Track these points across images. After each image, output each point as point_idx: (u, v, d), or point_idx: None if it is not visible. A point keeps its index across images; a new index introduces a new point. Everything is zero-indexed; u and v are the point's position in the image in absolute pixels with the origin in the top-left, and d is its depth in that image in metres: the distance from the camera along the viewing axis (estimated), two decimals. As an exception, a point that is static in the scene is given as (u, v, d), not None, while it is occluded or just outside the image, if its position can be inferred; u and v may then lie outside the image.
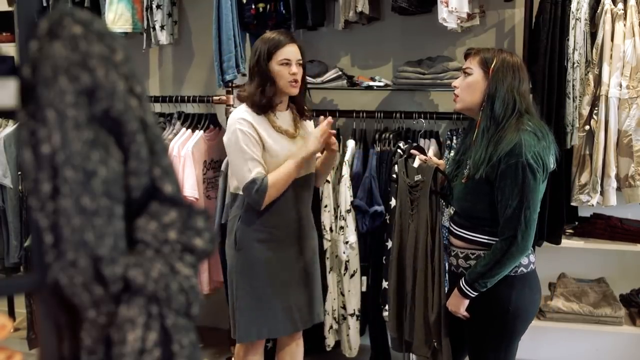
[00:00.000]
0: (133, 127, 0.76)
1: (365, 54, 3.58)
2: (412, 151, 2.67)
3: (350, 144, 3.16)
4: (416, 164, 2.66)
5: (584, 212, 3.26)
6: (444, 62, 3.13)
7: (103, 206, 0.73)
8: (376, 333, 3.25)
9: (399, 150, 2.96)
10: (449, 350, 2.41)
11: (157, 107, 3.49)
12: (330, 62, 3.44)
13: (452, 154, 2.93)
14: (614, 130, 2.89)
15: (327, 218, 3.08)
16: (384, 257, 2.99)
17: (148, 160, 0.78)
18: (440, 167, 2.50)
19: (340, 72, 3.28)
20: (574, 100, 2.89)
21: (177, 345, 0.77)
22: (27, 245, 3.45)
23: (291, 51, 2.43)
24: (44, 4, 3.42)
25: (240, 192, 2.47)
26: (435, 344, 2.46)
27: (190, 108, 3.46)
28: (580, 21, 2.86)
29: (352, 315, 3.16)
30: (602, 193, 2.94)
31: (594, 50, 2.92)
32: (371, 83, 3.23)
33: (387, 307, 2.88)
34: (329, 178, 3.06)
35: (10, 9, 3.64)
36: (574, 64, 2.87)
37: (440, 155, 3.12)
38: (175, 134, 3.36)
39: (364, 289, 3.18)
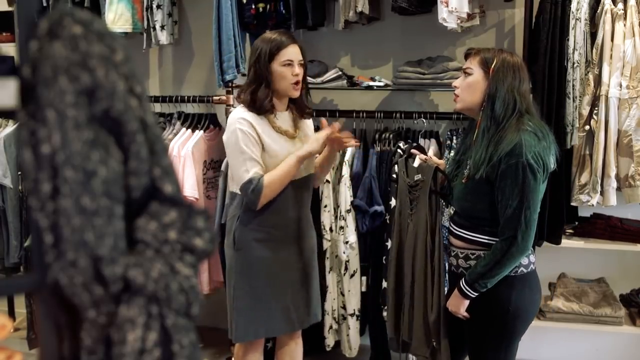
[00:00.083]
0: (133, 127, 0.76)
1: (365, 54, 3.58)
2: (413, 151, 2.67)
3: (351, 144, 3.16)
4: (416, 163, 2.66)
5: (584, 212, 3.26)
6: (444, 62, 3.13)
7: (103, 206, 0.73)
8: (376, 333, 3.25)
9: (399, 150, 2.96)
10: (448, 351, 2.41)
11: (157, 107, 3.49)
12: (330, 62, 3.44)
13: (452, 154, 2.93)
14: (614, 130, 2.89)
15: (327, 218, 3.08)
16: (384, 257, 2.99)
17: (148, 160, 0.78)
18: (440, 167, 2.50)
19: (340, 72, 3.28)
20: (574, 100, 2.89)
21: (177, 345, 0.77)
22: (27, 245, 3.45)
23: (294, 52, 2.42)
24: (44, 4, 3.42)
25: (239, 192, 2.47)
26: (435, 343, 2.46)
27: (190, 108, 3.46)
28: (580, 21, 2.86)
29: (352, 315, 3.16)
30: (602, 193, 2.94)
31: (594, 50, 2.92)
32: (371, 83, 3.23)
33: (387, 307, 2.88)
34: (328, 178, 3.06)
35: (10, 9, 3.64)
36: (574, 64, 2.87)
37: (440, 155, 3.12)
38: (175, 134, 3.36)
39: (364, 289, 3.18)
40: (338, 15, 3.30)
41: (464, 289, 2.17)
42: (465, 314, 2.22)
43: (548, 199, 2.78)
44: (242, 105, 2.47)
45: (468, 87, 2.21)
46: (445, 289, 2.55)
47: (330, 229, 3.10)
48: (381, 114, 3.27)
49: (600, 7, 2.91)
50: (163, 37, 3.44)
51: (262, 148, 2.41)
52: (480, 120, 2.18)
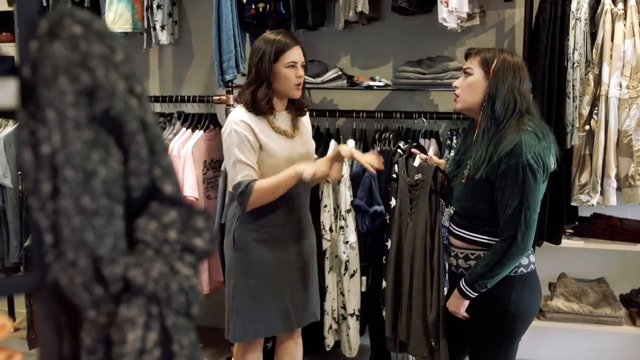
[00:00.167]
0: (133, 127, 0.76)
1: (365, 54, 3.58)
2: (413, 150, 2.67)
3: (350, 143, 3.16)
4: (417, 163, 2.67)
5: (584, 212, 3.26)
6: (444, 62, 3.13)
7: (103, 206, 0.73)
8: (376, 333, 3.25)
9: (399, 150, 2.96)
10: (447, 351, 2.41)
11: (157, 107, 3.49)
12: (330, 62, 3.44)
13: (452, 153, 2.93)
14: (614, 130, 2.89)
15: (326, 218, 3.08)
16: (384, 257, 2.99)
17: (148, 160, 0.78)
18: (440, 167, 2.50)
19: (340, 72, 3.28)
20: (574, 100, 2.89)
21: (177, 345, 0.77)
22: (27, 245, 3.45)
23: (297, 54, 2.43)
24: (44, 4, 3.42)
25: None
26: (433, 343, 2.46)
27: (190, 108, 3.46)
28: (580, 21, 2.86)
29: (352, 315, 3.16)
30: (602, 193, 2.95)
31: (594, 50, 2.92)
32: (371, 83, 3.23)
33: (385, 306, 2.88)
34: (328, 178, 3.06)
35: (10, 9, 3.64)
36: (574, 64, 2.87)
37: (440, 155, 3.12)
38: (175, 134, 3.36)
39: (363, 289, 3.18)
40: (338, 15, 3.30)
41: (463, 289, 2.17)
42: (465, 314, 2.22)
43: (548, 199, 2.78)
44: (242, 105, 2.47)
45: (468, 87, 2.21)
46: (445, 289, 2.55)
47: (330, 229, 3.10)
48: (381, 114, 3.27)
49: (600, 7, 2.91)
50: (163, 37, 3.44)
51: (260, 148, 2.41)
52: (480, 120, 2.18)
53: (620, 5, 2.87)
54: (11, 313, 3.88)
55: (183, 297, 0.77)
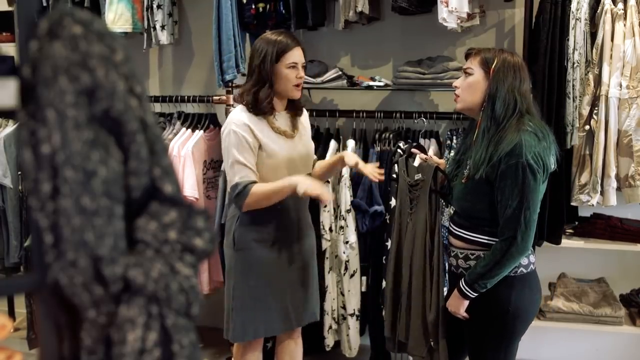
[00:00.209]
0: (133, 127, 0.76)
1: (365, 54, 3.58)
2: (413, 150, 2.67)
3: (350, 143, 3.16)
4: (417, 162, 2.67)
5: (584, 212, 3.26)
6: (444, 62, 3.13)
7: (103, 206, 0.73)
8: (376, 333, 3.25)
9: (399, 150, 2.96)
10: (446, 351, 2.41)
11: (157, 107, 3.49)
12: (330, 62, 3.44)
13: (452, 153, 2.93)
14: (614, 130, 2.89)
15: (326, 218, 3.08)
16: (384, 257, 2.99)
17: (148, 160, 0.78)
18: (440, 167, 2.50)
19: (340, 72, 3.28)
20: (574, 100, 2.89)
21: (177, 345, 0.77)
22: (27, 245, 3.45)
23: (298, 54, 2.43)
24: (44, 4, 3.42)
25: None
26: (432, 343, 2.46)
27: (190, 108, 3.46)
28: (580, 21, 2.86)
29: (352, 315, 3.16)
30: (602, 193, 2.95)
31: (594, 50, 2.92)
32: (371, 83, 3.23)
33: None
34: (328, 178, 3.06)
35: (10, 9, 3.64)
36: (574, 64, 2.87)
37: (440, 155, 3.12)
38: (175, 134, 3.36)
39: (363, 289, 3.18)
40: (338, 15, 3.30)
41: (463, 289, 2.17)
42: (465, 314, 2.22)
43: (548, 199, 2.78)
44: (242, 105, 2.47)
45: (468, 87, 2.21)
46: (445, 289, 2.55)
47: (330, 229, 3.10)
48: (381, 114, 3.27)
49: (600, 7, 2.91)
50: (164, 37, 3.44)
51: (259, 148, 2.41)
52: (480, 120, 2.18)
53: (620, 5, 2.87)
54: (11, 313, 3.88)
55: (183, 297, 0.77)
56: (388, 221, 2.95)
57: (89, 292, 0.72)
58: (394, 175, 2.82)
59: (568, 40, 2.87)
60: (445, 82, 3.04)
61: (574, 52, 2.86)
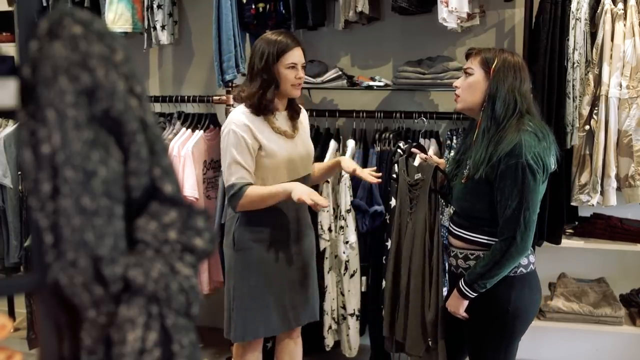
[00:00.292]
0: (133, 127, 0.76)
1: (365, 54, 3.58)
2: (413, 149, 2.67)
3: (350, 143, 3.16)
4: (417, 162, 2.67)
5: (584, 212, 3.26)
6: (444, 62, 3.13)
7: (103, 206, 0.73)
8: (376, 333, 3.25)
9: (399, 150, 2.96)
10: (444, 351, 2.41)
11: (157, 107, 3.49)
12: (330, 62, 3.44)
13: (452, 153, 2.93)
14: (614, 130, 2.89)
15: (325, 218, 3.08)
16: (384, 257, 2.99)
17: (148, 160, 0.78)
18: (440, 166, 2.50)
19: (340, 72, 3.28)
20: (574, 100, 2.89)
21: (177, 345, 0.77)
22: (27, 245, 3.45)
23: (298, 55, 2.43)
24: (44, 4, 3.42)
25: None
26: (430, 342, 2.45)
27: (190, 108, 3.46)
28: (580, 21, 2.86)
29: (352, 315, 3.16)
30: (602, 193, 2.95)
31: (594, 50, 2.92)
32: (371, 83, 3.23)
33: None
34: (328, 178, 3.06)
35: (10, 9, 3.64)
36: (574, 64, 2.87)
37: (440, 155, 3.12)
38: (175, 134, 3.36)
39: (363, 289, 3.18)
40: (338, 15, 3.30)
41: (463, 289, 2.17)
42: (465, 314, 2.22)
43: (548, 199, 2.78)
44: (243, 105, 2.47)
45: (469, 87, 2.21)
46: (445, 289, 2.54)
47: (330, 229, 3.10)
48: (381, 114, 3.27)
49: (600, 7, 2.91)
50: (164, 37, 3.44)
51: (259, 149, 2.41)
52: (480, 120, 2.18)
53: (620, 5, 2.87)
54: (11, 313, 3.88)
55: (183, 297, 0.77)
56: (388, 221, 2.95)
57: (89, 292, 0.72)
58: (394, 175, 2.82)
59: (568, 40, 2.87)
60: (445, 82, 3.04)
61: (574, 52, 2.86)
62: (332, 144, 3.19)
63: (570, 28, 2.86)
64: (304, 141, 2.57)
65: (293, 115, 2.55)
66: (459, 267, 2.25)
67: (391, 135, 3.22)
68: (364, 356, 3.33)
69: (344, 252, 3.08)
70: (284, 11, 3.22)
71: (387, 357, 3.31)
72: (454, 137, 3.12)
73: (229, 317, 2.55)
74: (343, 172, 3.07)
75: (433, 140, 3.21)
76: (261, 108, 2.42)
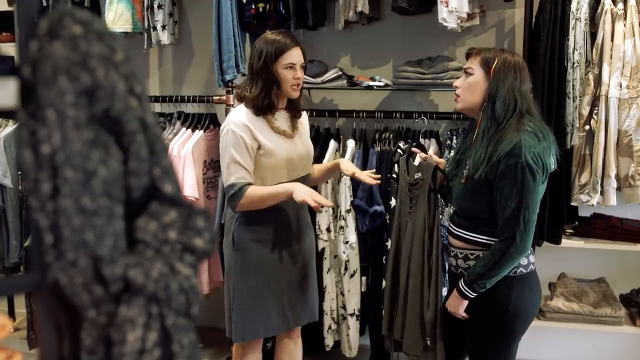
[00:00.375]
0: (133, 127, 0.76)
1: (365, 54, 3.58)
2: (413, 149, 2.68)
3: (350, 143, 3.16)
4: (417, 161, 2.67)
5: (584, 212, 3.26)
6: (444, 62, 3.13)
7: (103, 206, 0.73)
8: (376, 333, 3.25)
9: (399, 150, 2.96)
10: (443, 351, 2.41)
11: (157, 107, 3.49)
12: (330, 62, 3.44)
13: (452, 153, 2.93)
14: (614, 130, 2.89)
15: (323, 218, 3.08)
16: (384, 257, 2.99)
17: (148, 160, 0.78)
18: (440, 166, 2.50)
19: (340, 72, 3.28)
20: (574, 100, 2.89)
21: (177, 345, 0.77)
22: (27, 245, 3.45)
23: (297, 55, 2.43)
24: (44, 4, 3.42)
25: None
26: (429, 341, 2.45)
27: (190, 108, 3.46)
28: (580, 21, 2.86)
29: (352, 315, 3.16)
30: (602, 193, 2.95)
31: (594, 50, 2.92)
32: (371, 83, 3.23)
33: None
34: (327, 179, 3.06)
35: (10, 9, 3.64)
36: (574, 64, 2.87)
37: (440, 155, 3.12)
38: (175, 134, 3.36)
39: (363, 289, 3.18)
40: (338, 15, 3.30)
41: (462, 289, 2.17)
42: (465, 314, 2.22)
43: (548, 199, 2.78)
44: (244, 104, 2.47)
45: (469, 87, 2.21)
46: (445, 289, 2.54)
47: (328, 229, 3.10)
48: (381, 114, 3.27)
49: (600, 7, 2.91)
50: (164, 37, 3.44)
51: (259, 148, 2.41)
52: (480, 120, 2.18)
53: (620, 5, 2.87)
54: (11, 313, 3.88)
55: (183, 297, 0.77)
56: (388, 221, 2.95)
57: (89, 292, 0.72)
58: (394, 175, 2.82)
59: (568, 40, 2.87)
60: (445, 82, 3.04)
61: (574, 52, 2.86)
62: (332, 144, 3.19)
63: (570, 28, 2.86)
64: (303, 141, 2.57)
65: (294, 114, 2.55)
66: (459, 267, 2.25)
67: (391, 135, 3.22)
68: (364, 356, 3.33)
69: (344, 252, 3.08)
70: (284, 11, 3.22)
71: (387, 357, 3.31)
72: (454, 137, 3.12)
73: (229, 318, 2.55)
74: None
75: (433, 140, 3.21)
76: (263, 109, 2.42)
